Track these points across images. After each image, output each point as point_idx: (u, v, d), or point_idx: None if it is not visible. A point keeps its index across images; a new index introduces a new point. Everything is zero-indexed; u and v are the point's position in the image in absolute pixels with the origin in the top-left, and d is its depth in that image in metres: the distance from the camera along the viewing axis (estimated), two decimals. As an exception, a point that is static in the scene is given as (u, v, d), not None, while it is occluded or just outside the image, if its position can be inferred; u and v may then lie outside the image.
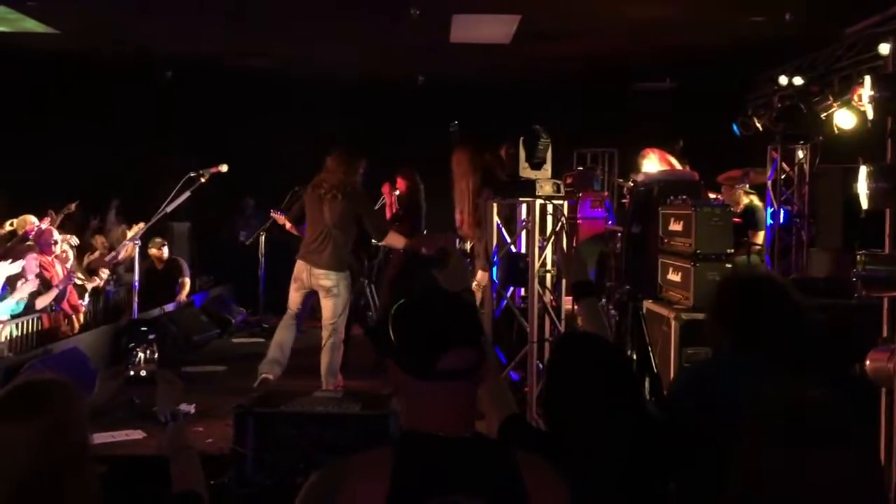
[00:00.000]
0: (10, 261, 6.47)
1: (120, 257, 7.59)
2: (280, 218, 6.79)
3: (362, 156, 6.06)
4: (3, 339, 5.97)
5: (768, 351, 2.36)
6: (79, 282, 7.18)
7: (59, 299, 6.82)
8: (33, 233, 6.96)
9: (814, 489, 1.39)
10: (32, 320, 6.44)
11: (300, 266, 5.94)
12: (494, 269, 4.86)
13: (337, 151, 5.90)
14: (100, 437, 5.17)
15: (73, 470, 1.85)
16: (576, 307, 3.04)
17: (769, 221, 7.18)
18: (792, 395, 1.48)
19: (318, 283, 5.83)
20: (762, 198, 7.37)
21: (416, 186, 7.31)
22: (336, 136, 9.96)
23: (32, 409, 1.84)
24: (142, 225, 6.98)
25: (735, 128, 7.77)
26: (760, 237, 7.16)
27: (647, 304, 5.49)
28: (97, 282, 7.34)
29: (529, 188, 4.60)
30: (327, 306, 5.82)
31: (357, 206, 5.85)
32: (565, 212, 4.89)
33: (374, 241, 6.27)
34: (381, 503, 1.55)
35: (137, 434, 5.31)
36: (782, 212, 7.13)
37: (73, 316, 6.85)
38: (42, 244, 6.87)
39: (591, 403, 2.10)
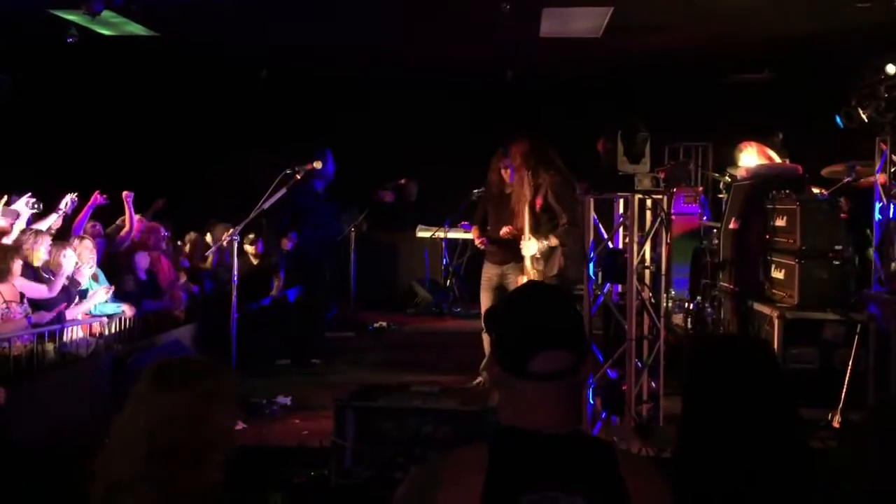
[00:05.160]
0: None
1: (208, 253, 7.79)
2: None
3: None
4: (106, 332, 6.20)
5: None
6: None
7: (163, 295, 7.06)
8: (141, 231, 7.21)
9: None
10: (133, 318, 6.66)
11: None
12: (591, 265, 4.78)
13: None
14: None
15: (212, 446, 1.85)
16: None
17: (877, 217, 6.86)
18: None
19: None
20: (870, 192, 7.03)
21: None
22: (424, 134, 10.09)
23: (187, 379, 1.86)
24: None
25: (838, 119, 7.43)
26: None
27: (750, 303, 5.34)
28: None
29: (627, 182, 4.51)
30: None
31: None
32: (665, 207, 4.77)
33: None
34: (478, 498, 1.54)
35: (237, 425, 5.44)
36: (892, 206, 6.78)
37: (175, 309, 7.08)
38: (152, 243, 7.13)
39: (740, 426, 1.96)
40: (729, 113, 9.16)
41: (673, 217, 7.85)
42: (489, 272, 5.96)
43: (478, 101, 10.22)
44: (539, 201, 5.55)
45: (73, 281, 6.08)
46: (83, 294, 6.26)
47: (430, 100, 10.16)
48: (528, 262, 5.56)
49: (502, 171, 5.68)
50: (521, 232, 5.55)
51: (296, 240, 7.70)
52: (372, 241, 10.40)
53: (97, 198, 6.60)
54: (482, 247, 6.18)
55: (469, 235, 10.05)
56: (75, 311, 6.05)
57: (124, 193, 6.92)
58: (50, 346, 5.62)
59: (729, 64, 9.28)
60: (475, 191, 9.00)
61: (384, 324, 9.12)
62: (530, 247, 5.53)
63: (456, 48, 8.95)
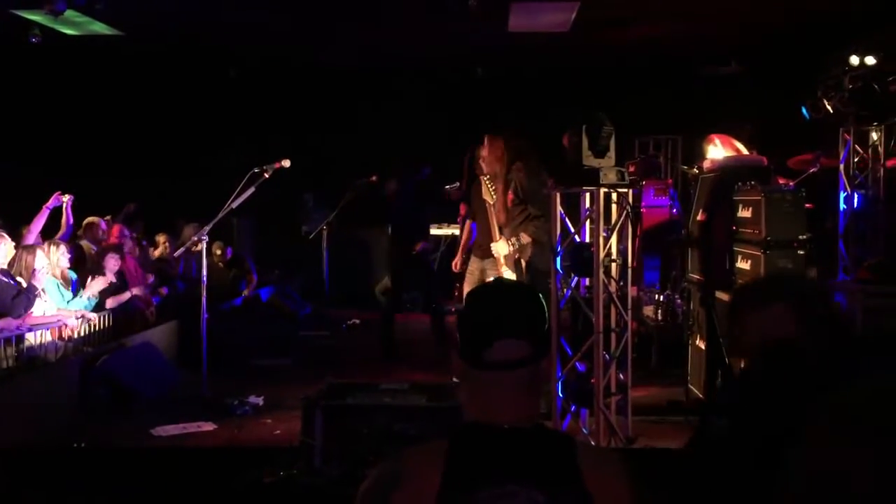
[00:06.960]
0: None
1: (177, 253, 7.72)
2: None
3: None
4: (75, 335, 6.13)
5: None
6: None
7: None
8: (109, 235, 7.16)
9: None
10: (106, 315, 6.61)
11: None
12: (558, 258, 4.80)
13: None
14: (172, 429, 5.30)
15: None
16: None
17: (842, 206, 6.96)
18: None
19: None
20: (835, 182, 7.14)
21: None
22: (394, 131, 10.06)
23: None
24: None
25: (804, 111, 7.53)
26: None
27: (717, 294, 5.38)
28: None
29: (593, 176, 4.52)
30: None
31: None
32: (630, 200, 4.80)
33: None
34: (435, 493, 1.54)
35: (209, 426, 5.42)
36: (856, 196, 6.89)
37: (146, 311, 7.01)
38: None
39: None
40: (698, 106, 9.23)
41: (643, 210, 7.90)
42: (472, 266, 6.16)
43: (447, 97, 10.22)
44: (510, 196, 5.65)
45: (29, 286, 5.96)
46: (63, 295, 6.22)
47: (400, 98, 10.14)
48: (502, 259, 5.69)
49: (481, 162, 5.84)
50: (493, 233, 5.71)
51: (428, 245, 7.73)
52: (344, 238, 10.39)
53: (58, 198, 6.52)
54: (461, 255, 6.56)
55: (443, 231, 10.11)
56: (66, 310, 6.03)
57: (66, 196, 6.76)
58: (15, 351, 5.55)
59: (697, 57, 9.35)
60: (447, 187, 9.00)
61: (357, 321, 9.11)
62: (499, 249, 5.65)
63: (425, 44, 8.93)
